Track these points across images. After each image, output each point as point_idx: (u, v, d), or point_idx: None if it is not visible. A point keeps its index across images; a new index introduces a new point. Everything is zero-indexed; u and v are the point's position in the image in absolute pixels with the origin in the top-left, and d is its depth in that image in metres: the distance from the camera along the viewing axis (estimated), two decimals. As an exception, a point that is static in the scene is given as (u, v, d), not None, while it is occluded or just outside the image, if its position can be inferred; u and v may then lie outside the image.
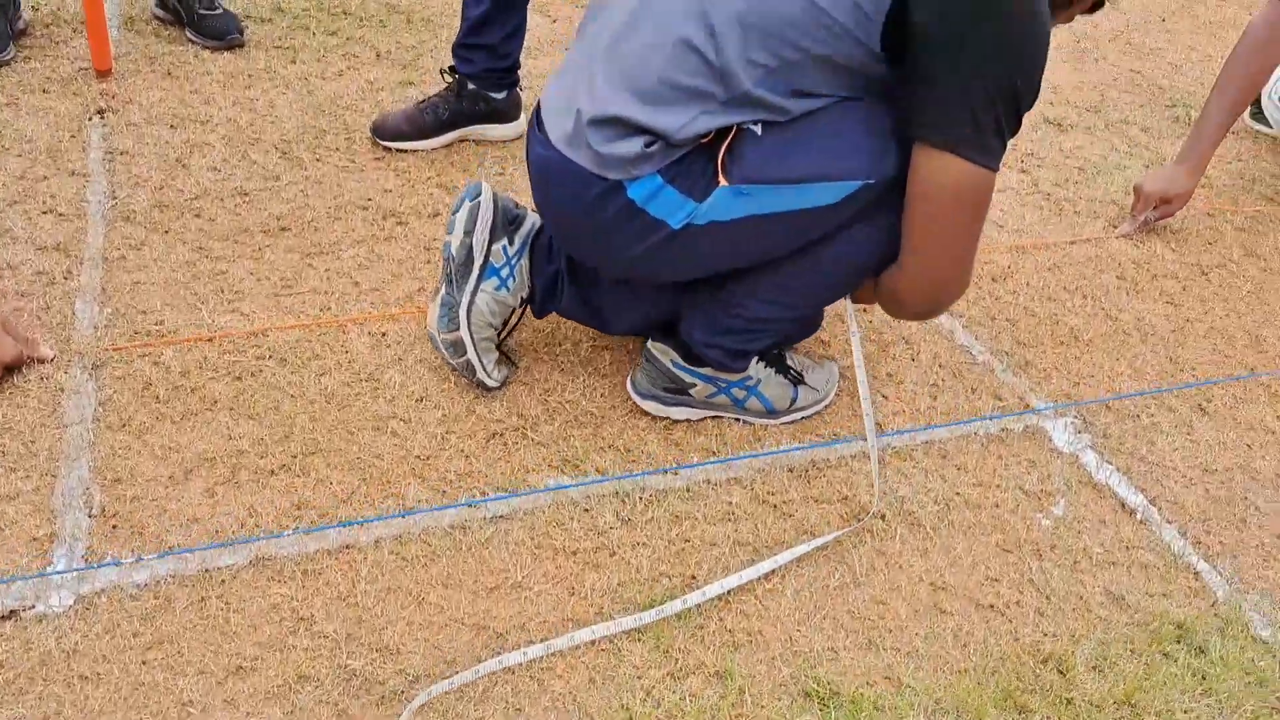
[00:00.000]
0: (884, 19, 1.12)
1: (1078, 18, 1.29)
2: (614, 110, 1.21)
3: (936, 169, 1.17)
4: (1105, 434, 1.62)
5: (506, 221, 1.47)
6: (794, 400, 1.53)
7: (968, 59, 1.12)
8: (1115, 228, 2.21)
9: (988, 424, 1.60)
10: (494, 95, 2.13)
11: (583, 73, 1.27)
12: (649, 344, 1.49)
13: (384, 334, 1.60)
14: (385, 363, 1.55)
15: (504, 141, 2.18)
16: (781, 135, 1.22)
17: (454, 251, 1.43)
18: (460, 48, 2.06)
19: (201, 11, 2.28)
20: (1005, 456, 1.55)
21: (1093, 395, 1.69)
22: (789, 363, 1.55)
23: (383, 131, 2.07)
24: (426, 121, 2.09)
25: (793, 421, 1.54)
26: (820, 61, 1.17)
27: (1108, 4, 1.63)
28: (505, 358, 1.53)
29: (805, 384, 1.55)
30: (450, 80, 2.11)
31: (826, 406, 1.57)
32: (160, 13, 2.38)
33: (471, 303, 1.43)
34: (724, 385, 1.49)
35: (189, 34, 2.32)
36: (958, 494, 1.47)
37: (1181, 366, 1.80)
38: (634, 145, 1.20)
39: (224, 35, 2.29)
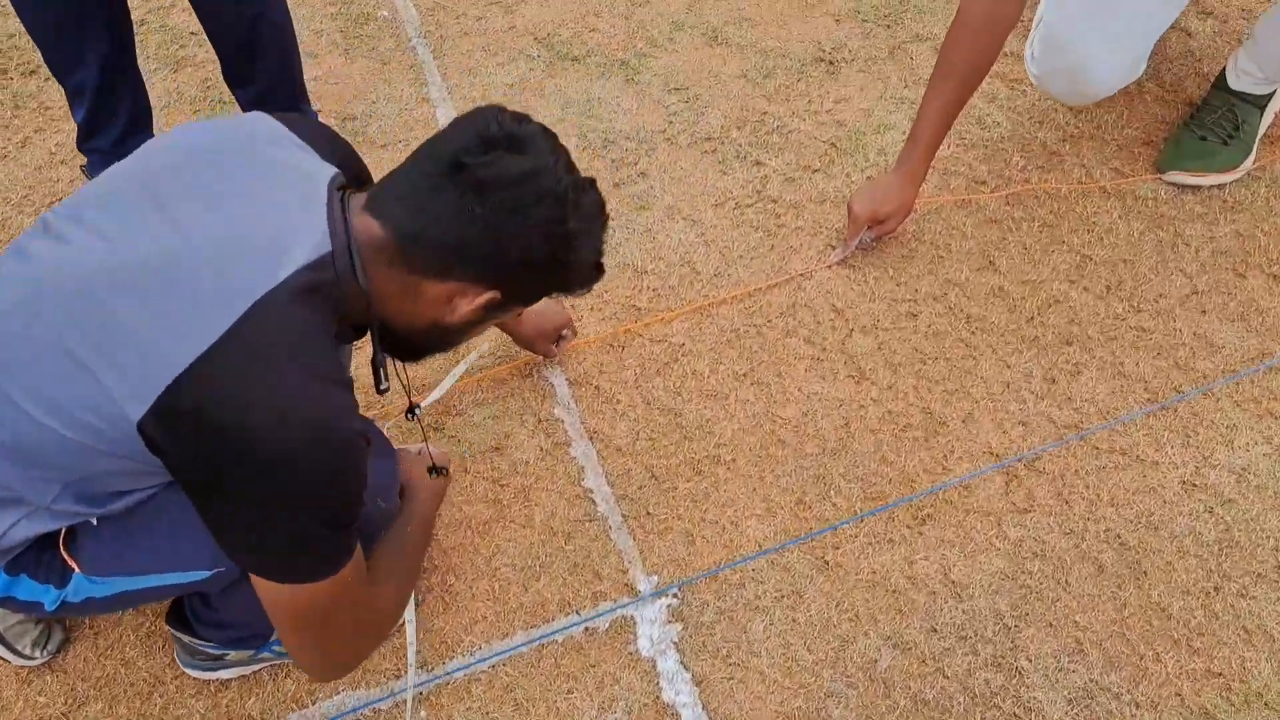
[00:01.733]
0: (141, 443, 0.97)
1: None
2: None
3: (263, 587, 1.06)
4: (698, 622, 1.53)
5: None
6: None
7: (227, 503, 0.99)
8: (832, 249, 1.97)
9: (572, 628, 1.52)
10: None
11: None
12: (167, 624, 1.44)
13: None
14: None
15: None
16: (119, 527, 1.13)
17: None
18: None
19: None
20: (578, 675, 1.49)
21: (708, 557, 1.59)
22: None
23: None
24: None
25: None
26: (112, 474, 1.05)
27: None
28: (51, 626, 1.49)
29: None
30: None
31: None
32: None
33: None
34: (259, 647, 1.44)
35: None
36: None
37: (832, 488, 1.66)
38: None
39: None
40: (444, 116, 2.33)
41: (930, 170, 1.95)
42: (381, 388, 1.18)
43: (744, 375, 1.82)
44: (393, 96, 2.40)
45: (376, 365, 1.17)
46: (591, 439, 1.75)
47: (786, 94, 2.37)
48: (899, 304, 1.91)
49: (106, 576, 1.15)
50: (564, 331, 1.74)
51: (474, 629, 1.53)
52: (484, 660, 1.49)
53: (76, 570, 1.15)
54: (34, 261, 1.02)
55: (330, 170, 1.08)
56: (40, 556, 1.14)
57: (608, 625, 1.53)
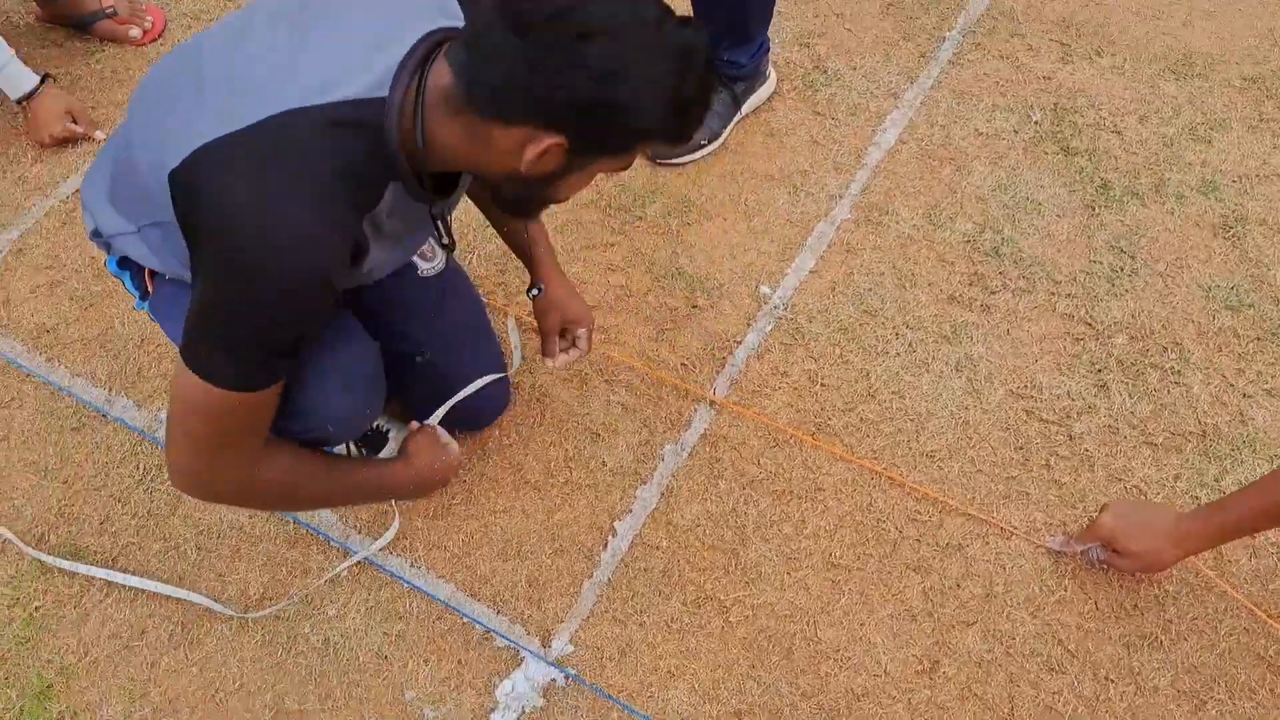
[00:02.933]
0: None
1: None
2: None
3: (179, 367, 1.12)
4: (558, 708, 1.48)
5: None
6: None
7: (195, 277, 1.07)
8: (1063, 529, 1.59)
9: (480, 622, 1.55)
10: None
11: None
12: None
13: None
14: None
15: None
16: (176, 292, 1.28)
17: None
18: None
19: None
20: (442, 654, 1.53)
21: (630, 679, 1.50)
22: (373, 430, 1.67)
23: None
24: None
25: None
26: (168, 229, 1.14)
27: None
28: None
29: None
30: None
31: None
32: None
33: None
34: None
35: None
36: None
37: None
38: None
39: None
40: None
41: (1217, 552, 1.43)
42: (443, 242, 1.22)
43: (832, 563, 1.57)
44: None
45: (434, 217, 1.19)
46: (664, 494, 1.64)
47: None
48: (1072, 646, 1.48)
49: (160, 319, 1.36)
50: (578, 332, 1.56)
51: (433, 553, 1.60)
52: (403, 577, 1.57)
53: (149, 297, 1.35)
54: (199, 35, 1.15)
55: (443, 23, 1.06)
56: (139, 269, 1.35)
57: (504, 644, 1.51)
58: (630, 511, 1.64)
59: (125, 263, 1.32)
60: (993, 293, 1.87)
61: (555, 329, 1.57)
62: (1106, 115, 2.13)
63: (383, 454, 1.67)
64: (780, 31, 2.39)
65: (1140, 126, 2.10)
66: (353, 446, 1.60)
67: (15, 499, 1.70)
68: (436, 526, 1.64)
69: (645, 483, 1.67)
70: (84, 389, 1.84)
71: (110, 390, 1.84)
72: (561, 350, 1.57)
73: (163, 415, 1.78)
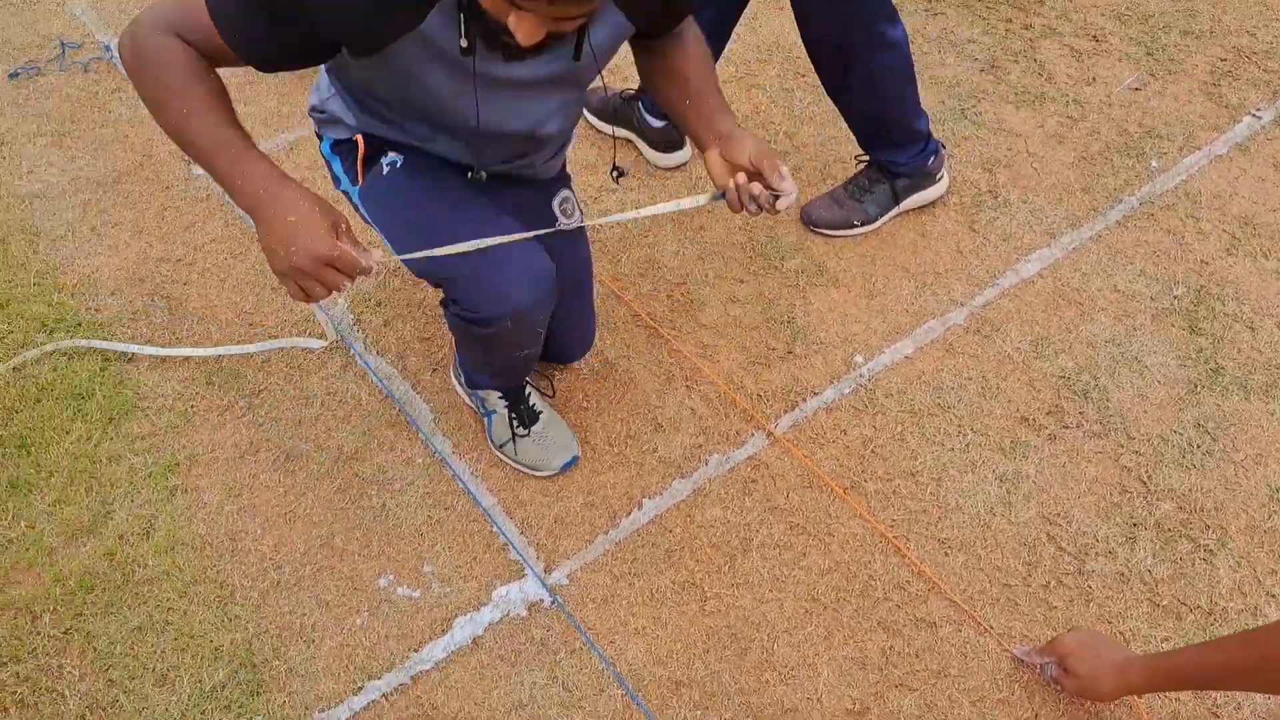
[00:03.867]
0: None
1: None
2: None
3: None
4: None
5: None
6: (503, 447, 1.87)
7: None
8: (1026, 640, 1.69)
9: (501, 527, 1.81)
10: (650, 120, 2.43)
11: None
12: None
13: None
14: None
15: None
16: (388, 190, 1.59)
17: None
18: None
19: None
20: (466, 540, 1.80)
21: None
22: (528, 405, 1.86)
23: None
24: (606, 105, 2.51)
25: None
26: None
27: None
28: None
29: (524, 440, 1.85)
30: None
31: (539, 475, 1.86)
32: None
33: None
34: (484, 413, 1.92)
35: None
36: None
37: None
38: None
39: None
40: None
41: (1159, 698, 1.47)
42: (461, 46, 1.27)
43: (813, 596, 1.72)
44: None
45: (460, 11, 1.25)
46: (695, 491, 1.85)
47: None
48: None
49: (366, 206, 1.65)
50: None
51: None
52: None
53: (358, 184, 1.66)
54: None
55: None
56: (349, 158, 1.69)
57: (514, 559, 1.77)
58: (661, 495, 1.85)
59: (337, 148, 1.67)
60: (1065, 427, 1.96)
61: (729, 174, 1.41)
62: (1247, 310, 2.16)
63: (529, 452, 1.88)
64: (970, 153, 2.56)
65: (1276, 330, 2.12)
66: (508, 412, 1.85)
67: (210, 326, 2.13)
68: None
69: (683, 477, 1.88)
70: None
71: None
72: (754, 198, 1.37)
73: (340, 299, 2.17)
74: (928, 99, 2.65)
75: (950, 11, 3.07)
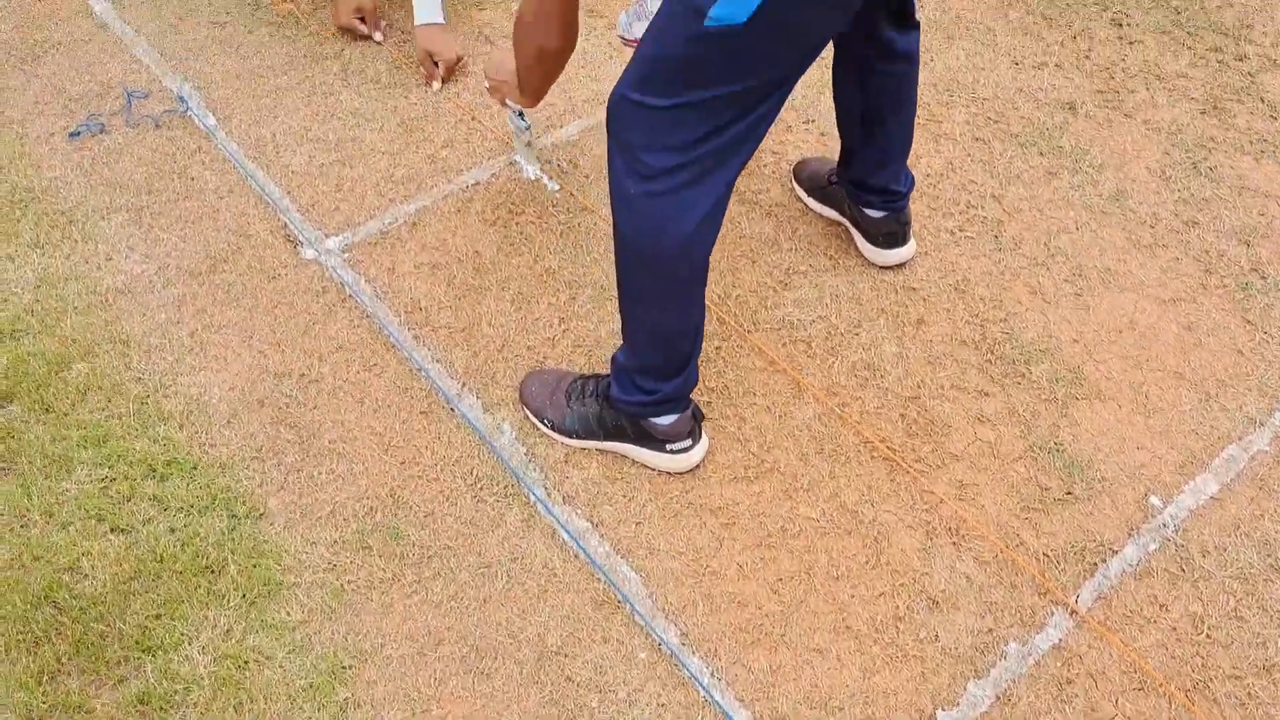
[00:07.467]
0: None
1: None
2: None
3: None
4: None
5: None
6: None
7: None
8: None
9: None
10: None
11: None
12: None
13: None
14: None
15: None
16: None
17: None
18: None
19: None
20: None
21: None
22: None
23: None
24: None
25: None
26: None
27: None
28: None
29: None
30: None
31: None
32: None
33: None
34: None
35: None
36: None
37: None
38: None
39: None
40: None
41: None
42: None
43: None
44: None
45: None
46: (999, 698, 1.47)
47: None
48: None
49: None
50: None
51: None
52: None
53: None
54: None
55: None
56: None
57: None
58: (958, 706, 1.47)
59: None
60: None
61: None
62: None
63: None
64: (1217, 219, 2.17)
65: None
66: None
67: (355, 465, 1.74)
68: (741, 639, 1.53)
69: (980, 677, 1.50)
70: (440, 376, 1.87)
71: (463, 385, 1.86)
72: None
73: (505, 426, 1.79)
74: (1146, 147, 2.27)
75: (1149, 39, 2.67)
